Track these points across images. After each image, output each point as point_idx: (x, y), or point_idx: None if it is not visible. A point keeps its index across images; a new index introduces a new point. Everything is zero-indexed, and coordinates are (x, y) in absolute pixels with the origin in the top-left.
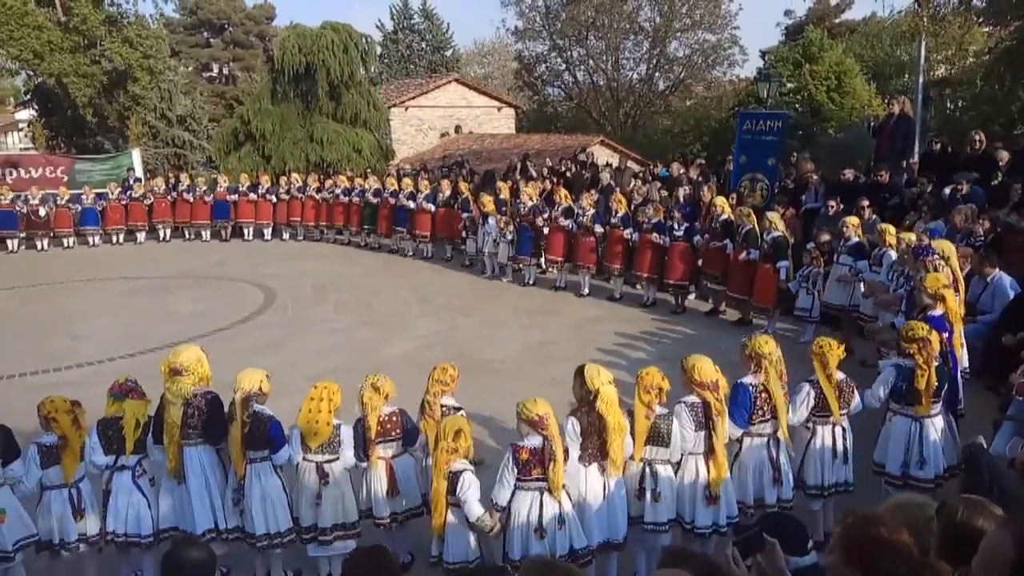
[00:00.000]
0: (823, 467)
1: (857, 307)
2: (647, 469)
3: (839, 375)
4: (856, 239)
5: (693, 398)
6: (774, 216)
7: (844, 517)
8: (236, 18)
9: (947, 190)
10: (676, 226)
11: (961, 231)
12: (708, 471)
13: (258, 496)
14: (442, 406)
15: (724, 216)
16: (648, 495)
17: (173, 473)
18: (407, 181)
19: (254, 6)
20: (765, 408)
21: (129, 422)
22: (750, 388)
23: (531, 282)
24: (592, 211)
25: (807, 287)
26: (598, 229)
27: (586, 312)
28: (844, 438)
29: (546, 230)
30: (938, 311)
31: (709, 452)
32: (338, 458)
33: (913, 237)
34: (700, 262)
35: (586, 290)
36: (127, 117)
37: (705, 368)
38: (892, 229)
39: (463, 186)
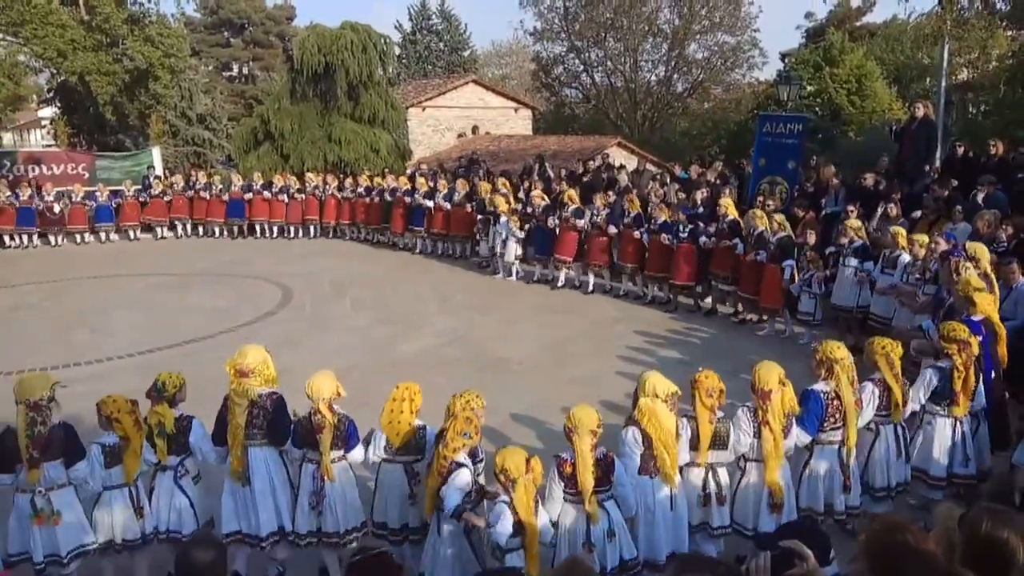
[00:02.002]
0: (889, 468)
1: (866, 307)
2: (709, 474)
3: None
4: (860, 241)
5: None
6: (780, 218)
7: (869, 524)
8: (256, 18)
9: (974, 194)
10: (681, 228)
11: (984, 237)
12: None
13: (339, 495)
14: (453, 462)
15: (730, 217)
16: (713, 500)
17: (236, 476)
18: (421, 181)
19: (274, 6)
20: (836, 415)
21: (152, 428)
22: (821, 395)
23: (550, 279)
24: (606, 211)
25: (808, 291)
26: (612, 230)
27: (604, 313)
28: (904, 437)
29: (558, 231)
30: (977, 316)
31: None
32: (422, 459)
33: (925, 239)
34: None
35: (591, 288)
36: (148, 115)
37: (762, 375)
38: (904, 231)
39: (483, 186)
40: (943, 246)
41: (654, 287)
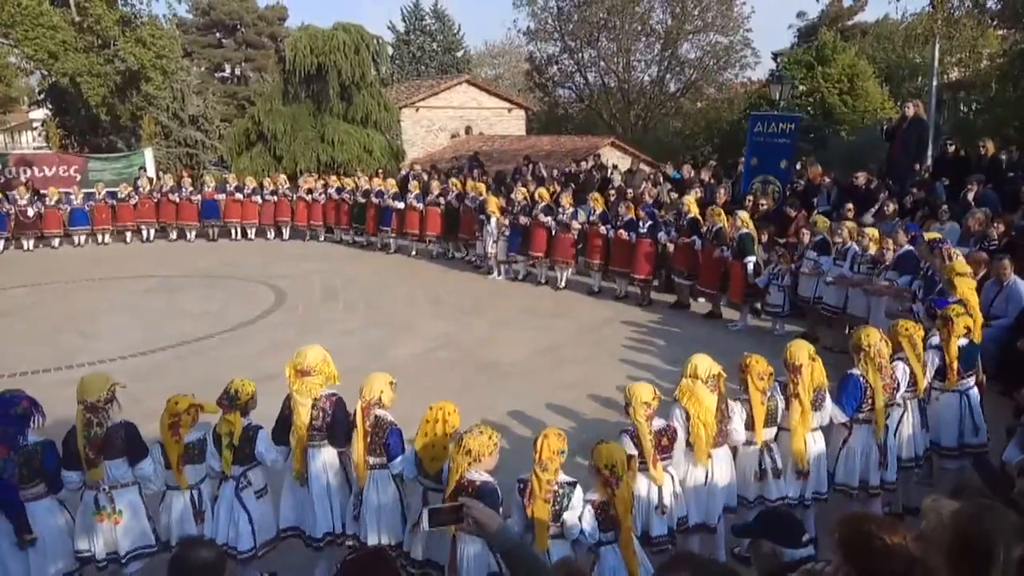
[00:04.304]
0: (916, 439)
1: (821, 299)
2: (764, 451)
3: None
4: (822, 236)
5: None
6: (743, 215)
7: (841, 518)
8: (248, 19)
9: (964, 193)
10: (641, 224)
11: (975, 235)
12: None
13: (374, 505)
14: (558, 486)
15: (691, 215)
16: (770, 474)
17: (297, 476)
18: (391, 182)
19: (266, 7)
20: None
21: (222, 438)
22: (861, 378)
23: (521, 278)
24: (571, 209)
25: (777, 284)
26: (575, 225)
27: (596, 314)
28: (924, 411)
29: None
30: (953, 297)
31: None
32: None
33: (876, 232)
34: (670, 259)
35: (562, 284)
36: (140, 117)
37: (793, 352)
38: (853, 225)
39: (480, 186)
40: (903, 238)
41: (624, 283)
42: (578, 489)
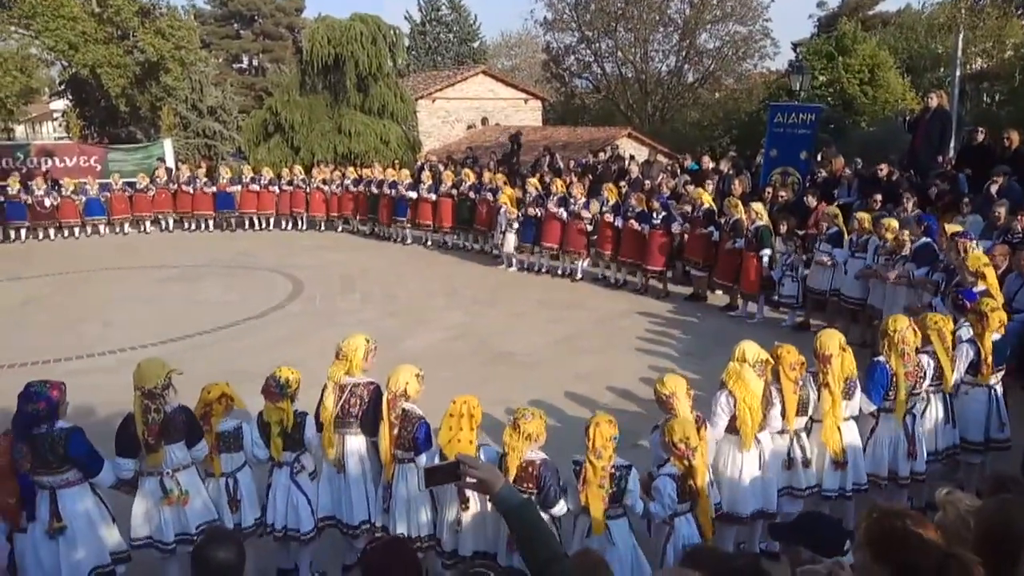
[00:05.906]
0: (937, 434)
1: (838, 291)
2: (794, 439)
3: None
4: (836, 228)
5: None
6: (758, 206)
7: (868, 513)
8: (266, 9)
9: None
10: (654, 215)
11: (999, 228)
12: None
13: (403, 497)
14: (614, 468)
15: (705, 206)
16: (799, 463)
17: (333, 462)
18: (404, 173)
19: None
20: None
21: (271, 426)
22: (887, 367)
23: (537, 269)
24: (583, 200)
25: (791, 275)
26: (585, 215)
27: (612, 305)
28: (951, 405)
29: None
30: (980, 287)
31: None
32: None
33: (895, 224)
34: (681, 249)
35: (579, 275)
36: (159, 107)
37: (823, 341)
38: (868, 217)
39: (500, 177)
40: (916, 229)
41: (640, 275)
42: (634, 471)
